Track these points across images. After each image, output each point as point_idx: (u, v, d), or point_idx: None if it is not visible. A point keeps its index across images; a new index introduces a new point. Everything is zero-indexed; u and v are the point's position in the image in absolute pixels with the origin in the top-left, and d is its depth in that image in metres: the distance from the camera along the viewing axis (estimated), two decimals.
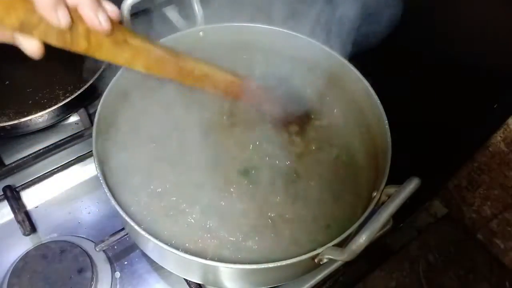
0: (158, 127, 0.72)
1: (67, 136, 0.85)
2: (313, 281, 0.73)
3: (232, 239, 0.62)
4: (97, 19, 0.45)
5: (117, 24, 0.49)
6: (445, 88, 0.75)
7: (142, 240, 0.61)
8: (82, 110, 0.86)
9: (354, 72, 0.72)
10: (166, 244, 0.53)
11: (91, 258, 0.70)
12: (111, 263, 0.73)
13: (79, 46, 0.47)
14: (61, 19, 0.42)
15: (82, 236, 0.76)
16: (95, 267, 0.70)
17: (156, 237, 0.53)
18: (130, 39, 0.51)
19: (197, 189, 0.66)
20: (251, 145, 0.71)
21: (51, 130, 0.88)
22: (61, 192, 0.81)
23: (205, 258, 0.53)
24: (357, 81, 0.72)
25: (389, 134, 0.64)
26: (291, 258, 0.52)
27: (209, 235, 0.62)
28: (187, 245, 0.61)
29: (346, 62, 0.73)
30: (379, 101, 0.68)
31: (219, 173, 0.68)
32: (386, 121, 0.65)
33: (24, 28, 0.42)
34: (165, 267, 0.66)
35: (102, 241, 0.69)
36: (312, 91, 0.78)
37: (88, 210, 0.80)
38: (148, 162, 0.68)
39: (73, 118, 0.90)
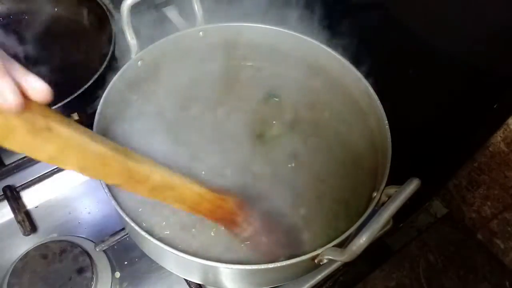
0: (158, 127, 0.72)
1: None
2: (313, 281, 0.73)
3: (232, 239, 0.62)
4: (2, 91, 0.32)
5: (40, 106, 0.36)
6: (445, 88, 0.75)
7: (142, 240, 0.61)
8: (82, 110, 0.85)
9: (354, 72, 0.72)
10: (166, 244, 0.53)
11: (91, 258, 0.70)
12: (111, 263, 0.73)
13: None
14: None
15: (82, 236, 0.75)
16: (95, 267, 0.70)
17: (156, 238, 0.53)
18: (56, 126, 0.37)
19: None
20: (243, 158, 0.69)
21: None
22: (61, 192, 0.81)
23: (206, 259, 0.52)
24: (357, 81, 0.72)
25: (389, 134, 0.64)
26: (291, 258, 0.52)
27: (210, 235, 0.62)
28: (187, 245, 0.61)
29: (346, 62, 0.73)
30: (379, 101, 0.68)
31: (220, 175, 0.68)
32: (386, 121, 0.65)
33: None
34: (165, 267, 0.66)
35: (102, 241, 0.70)
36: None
37: (88, 210, 0.80)
38: None
39: (73, 118, 0.87)
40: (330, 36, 0.76)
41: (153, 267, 0.73)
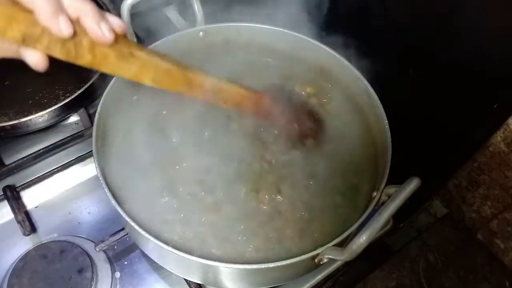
0: (159, 127, 0.72)
1: (67, 136, 0.85)
2: (313, 281, 0.73)
3: (232, 239, 0.62)
4: (100, 30, 0.44)
5: (122, 37, 0.49)
6: (445, 88, 0.75)
7: (142, 240, 0.61)
8: (82, 110, 0.86)
9: (354, 72, 0.72)
10: (166, 244, 0.53)
11: (91, 258, 0.70)
12: (111, 263, 0.73)
13: (84, 59, 0.46)
14: (63, 28, 0.42)
15: (82, 236, 0.75)
16: (95, 267, 0.70)
17: (156, 237, 0.53)
18: (136, 52, 0.50)
19: (198, 188, 0.66)
20: (247, 149, 0.70)
21: (51, 130, 0.88)
22: (61, 192, 0.81)
23: (206, 258, 0.53)
24: (357, 81, 0.72)
25: (389, 134, 0.64)
26: (291, 258, 0.52)
27: (209, 235, 0.62)
28: (188, 244, 0.61)
29: (346, 62, 0.73)
30: (379, 101, 0.68)
31: (220, 176, 0.68)
32: (386, 121, 0.65)
33: (27, 41, 0.42)
34: (165, 267, 0.66)
35: (102, 241, 0.69)
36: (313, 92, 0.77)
37: (88, 210, 0.79)
38: (149, 161, 0.68)
39: (73, 118, 0.90)
40: (330, 37, 0.77)
41: (153, 267, 0.73)
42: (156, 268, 0.73)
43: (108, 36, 0.45)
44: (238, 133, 0.72)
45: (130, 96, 0.74)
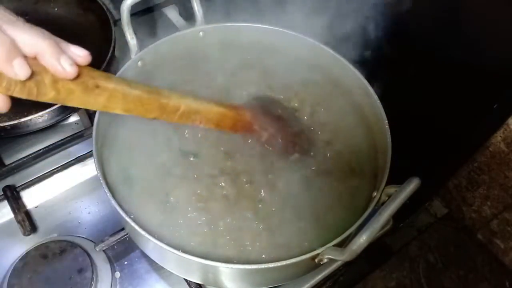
0: (158, 127, 0.71)
1: (67, 136, 0.85)
2: (313, 281, 0.73)
3: (232, 238, 0.62)
4: (60, 65, 0.42)
5: (86, 68, 0.46)
6: (445, 88, 0.75)
7: (142, 240, 0.61)
8: (82, 110, 0.85)
9: (354, 72, 0.72)
10: (166, 244, 0.53)
11: (91, 258, 0.70)
12: (111, 263, 0.73)
13: (47, 96, 0.44)
14: (18, 71, 0.40)
15: (82, 236, 0.75)
16: (95, 267, 0.70)
17: (156, 237, 0.53)
18: (102, 83, 0.48)
19: (197, 186, 0.66)
20: (237, 154, 0.70)
21: (51, 130, 0.87)
22: (61, 192, 0.81)
23: (206, 258, 0.53)
24: (357, 81, 0.72)
25: (389, 134, 0.64)
26: (291, 258, 0.52)
27: (209, 234, 0.62)
28: (187, 244, 0.61)
29: (346, 62, 0.73)
30: (379, 101, 0.68)
31: (224, 160, 0.68)
32: (386, 121, 0.65)
33: None
34: (165, 267, 0.66)
35: (102, 241, 0.69)
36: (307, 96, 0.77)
37: (88, 210, 0.79)
38: (148, 161, 0.68)
39: (73, 118, 0.89)
40: (331, 37, 0.76)
41: (153, 267, 0.73)
42: (156, 268, 0.73)
43: (70, 71, 0.43)
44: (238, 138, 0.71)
45: None
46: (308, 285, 0.73)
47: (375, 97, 0.69)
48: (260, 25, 0.78)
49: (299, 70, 0.80)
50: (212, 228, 0.63)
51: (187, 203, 0.64)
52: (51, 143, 0.84)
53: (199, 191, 0.65)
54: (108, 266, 0.71)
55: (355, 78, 0.72)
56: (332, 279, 0.79)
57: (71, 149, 0.86)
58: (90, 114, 0.87)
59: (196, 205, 0.64)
